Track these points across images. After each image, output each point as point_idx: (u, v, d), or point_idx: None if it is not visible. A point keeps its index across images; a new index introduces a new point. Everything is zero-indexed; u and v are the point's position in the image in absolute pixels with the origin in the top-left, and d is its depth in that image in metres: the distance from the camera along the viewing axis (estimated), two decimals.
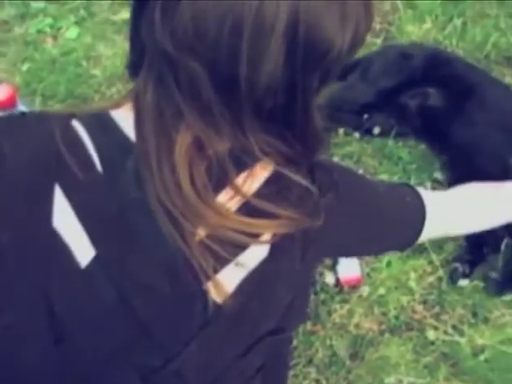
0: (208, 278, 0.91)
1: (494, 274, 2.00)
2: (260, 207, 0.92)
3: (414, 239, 1.25)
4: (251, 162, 0.93)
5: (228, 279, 0.94)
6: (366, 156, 2.25)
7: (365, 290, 2.00)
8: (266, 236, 0.94)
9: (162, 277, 0.94)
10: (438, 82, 2.18)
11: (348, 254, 1.60)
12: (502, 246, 2.06)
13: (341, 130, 2.27)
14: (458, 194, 1.41)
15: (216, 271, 0.92)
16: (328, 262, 2.06)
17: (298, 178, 0.95)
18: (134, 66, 0.96)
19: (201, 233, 0.90)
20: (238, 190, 0.91)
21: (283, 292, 1.02)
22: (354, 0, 0.86)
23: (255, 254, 0.95)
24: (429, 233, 1.24)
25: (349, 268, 2.01)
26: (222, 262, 0.93)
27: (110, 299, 0.94)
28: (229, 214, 0.91)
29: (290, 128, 0.92)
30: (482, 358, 1.92)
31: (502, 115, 2.08)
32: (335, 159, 2.20)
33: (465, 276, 1.99)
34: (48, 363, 0.99)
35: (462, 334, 1.96)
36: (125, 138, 0.94)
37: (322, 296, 1.99)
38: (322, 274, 2.02)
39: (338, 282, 2.02)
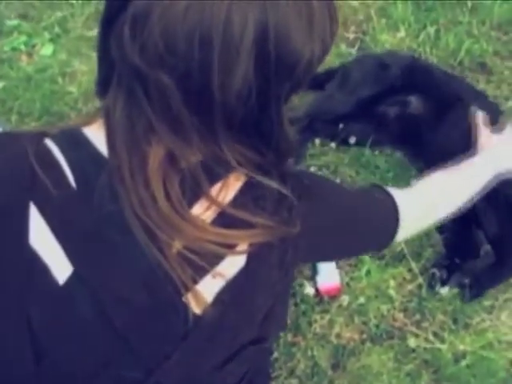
0: (187, 288, 0.92)
1: (467, 280, 1.99)
2: (235, 217, 0.93)
3: (391, 238, 1.27)
4: (224, 173, 0.94)
5: (206, 289, 0.95)
6: (342, 166, 2.25)
7: (345, 300, 1.99)
8: (242, 246, 0.95)
9: (140, 290, 0.94)
10: (416, 90, 2.19)
11: (326, 259, 1.61)
12: (482, 252, 2.06)
13: (317, 141, 2.26)
14: (424, 186, 1.43)
15: (195, 282, 0.93)
16: (307, 272, 2.06)
17: (271, 186, 0.96)
18: (103, 83, 0.97)
19: (177, 245, 0.91)
20: (212, 201, 0.92)
21: (262, 300, 1.03)
22: (320, 10, 0.88)
23: (232, 264, 0.96)
24: (405, 229, 1.27)
25: (328, 278, 2.01)
26: (200, 273, 0.93)
27: (89, 314, 0.94)
28: (205, 226, 0.92)
29: (262, 137, 0.94)
30: (463, 363, 1.93)
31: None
32: (312, 170, 2.20)
33: (443, 282, 1.99)
34: (30, 383, 0.98)
35: (442, 340, 1.96)
36: (97, 153, 0.95)
37: (303, 307, 1.98)
38: (301, 285, 2.01)
39: (317, 293, 2.02)
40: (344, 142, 2.27)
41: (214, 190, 0.94)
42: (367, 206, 1.22)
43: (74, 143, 0.98)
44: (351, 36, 2.62)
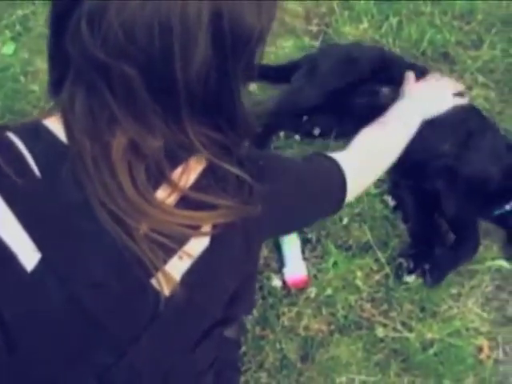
0: (157, 269, 0.95)
1: (427, 266, 2.00)
2: (198, 199, 0.97)
3: (342, 199, 1.34)
4: (186, 156, 0.97)
5: (174, 270, 0.97)
6: None
7: (312, 292, 1.99)
8: (206, 227, 0.98)
9: (110, 274, 0.97)
10: (384, 81, 2.20)
11: (289, 231, 1.66)
12: (446, 242, 2.07)
13: (281, 134, 2.25)
14: (358, 144, 1.52)
15: (165, 262, 0.96)
16: (274, 265, 2.06)
17: (231, 168, 0.99)
18: (57, 82, 0.99)
19: (144, 228, 0.93)
20: (175, 185, 0.95)
21: (227, 280, 1.07)
22: None
23: (197, 245, 0.99)
24: (353, 187, 1.34)
25: (295, 270, 2.01)
26: (168, 253, 0.96)
27: (59, 300, 0.97)
28: (169, 209, 0.95)
29: (224, 115, 0.98)
30: (431, 351, 1.94)
31: (461, 130, 2.10)
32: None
33: (410, 271, 1.99)
34: (3, 374, 1.00)
35: (410, 329, 1.97)
36: (59, 143, 0.97)
37: (270, 300, 1.98)
38: (268, 278, 2.01)
39: (285, 285, 2.01)
40: (308, 134, 2.26)
41: (176, 174, 0.97)
42: (318, 174, 1.29)
43: (36, 135, 0.99)
44: (314, 29, 2.62)
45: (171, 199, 0.97)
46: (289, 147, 2.27)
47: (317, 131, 2.23)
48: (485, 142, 2.10)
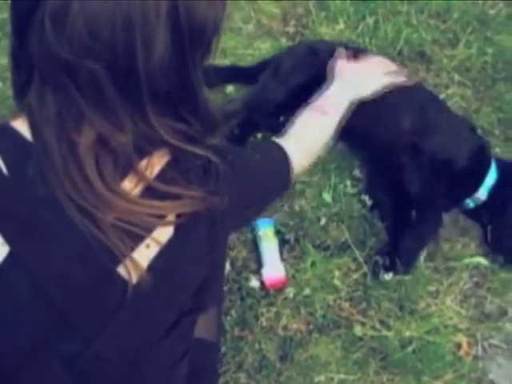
0: (124, 256, 0.98)
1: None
2: (163, 189, 1.00)
3: (290, 181, 1.44)
4: (152, 149, 1.00)
5: (141, 257, 1.01)
6: None
7: (290, 292, 2.00)
8: (171, 216, 1.01)
9: (77, 264, 0.99)
10: None
11: (249, 221, 1.80)
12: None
13: (259, 135, 2.26)
14: (294, 129, 1.60)
15: (132, 249, 0.99)
16: (253, 266, 2.06)
17: (197, 159, 1.03)
18: (21, 84, 0.99)
19: (110, 218, 0.96)
20: (141, 176, 0.98)
21: (192, 269, 1.10)
22: None
23: (162, 233, 1.02)
24: (297, 165, 1.44)
25: (273, 271, 2.01)
26: (135, 242, 0.99)
27: (27, 293, 1.00)
28: (136, 200, 0.98)
29: (185, 105, 1.00)
30: (409, 349, 1.94)
31: (416, 107, 2.10)
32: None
33: (386, 268, 2.00)
34: None
35: (389, 327, 1.98)
36: (26, 143, 0.98)
37: (249, 301, 1.98)
38: (247, 279, 2.01)
39: (263, 286, 2.02)
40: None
41: (141, 165, 1.00)
42: (271, 162, 1.38)
43: (2, 134, 1.02)
44: (291, 30, 2.63)
45: (137, 190, 0.99)
46: None
47: None
48: (444, 120, 2.09)
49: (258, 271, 2.05)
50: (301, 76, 2.20)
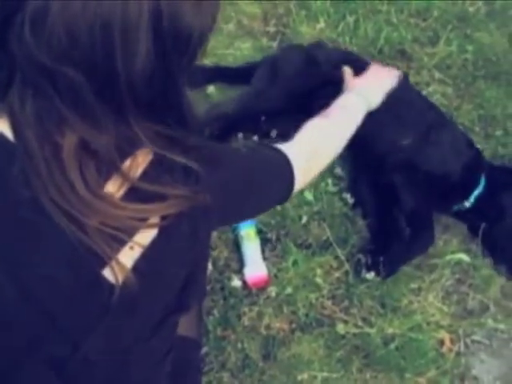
0: (110, 258, 0.97)
1: (382, 258, 2.02)
2: (147, 191, 0.98)
3: (291, 188, 1.36)
4: (133, 150, 0.98)
5: (126, 259, 1.00)
6: None
7: (272, 291, 2.00)
8: (155, 219, 1.00)
9: (63, 266, 0.98)
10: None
11: (238, 220, 1.67)
12: (405, 236, 2.09)
13: (240, 135, 2.26)
14: (303, 136, 1.50)
15: (117, 251, 0.98)
16: (235, 266, 2.06)
17: (179, 158, 1.00)
18: (3, 85, 0.98)
19: (94, 222, 0.94)
20: (125, 177, 0.97)
21: (176, 268, 1.09)
22: None
23: (146, 235, 1.01)
24: (300, 178, 1.37)
25: (255, 270, 2.02)
26: (120, 244, 0.98)
27: (12, 296, 0.98)
28: (120, 203, 0.96)
29: (170, 110, 0.98)
30: (392, 346, 1.95)
31: (398, 103, 2.11)
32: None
33: (368, 267, 2.00)
34: None
35: (371, 325, 1.98)
36: (10, 144, 0.96)
37: (231, 300, 1.98)
38: (229, 279, 2.01)
39: (245, 285, 2.02)
40: (266, 135, 2.27)
41: (124, 166, 0.98)
42: (265, 164, 1.32)
43: None
44: (272, 30, 2.63)
45: (121, 192, 0.98)
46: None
47: (274, 133, 2.24)
48: (445, 137, 2.11)
49: (240, 271, 2.04)
50: (300, 84, 2.20)
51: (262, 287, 2.01)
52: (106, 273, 1.00)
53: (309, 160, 1.44)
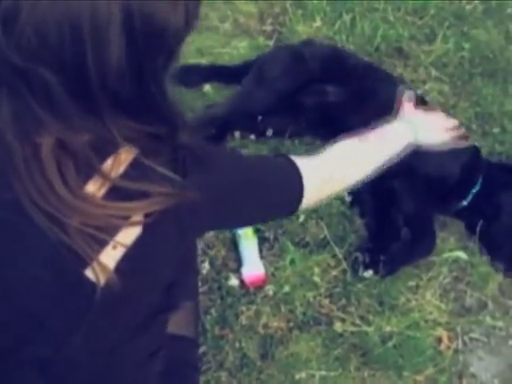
0: (91, 259, 0.96)
1: (382, 257, 2.02)
2: (130, 188, 0.97)
3: (296, 205, 1.30)
4: (114, 149, 0.97)
5: (108, 260, 0.99)
6: None
7: (270, 290, 2.00)
8: (139, 217, 0.99)
9: (44, 268, 0.98)
10: (333, 78, 2.21)
11: (234, 226, 1.59)
12: (402, 235, 2.09)
13: (237, 134, 2.26)
14: (330, 153, 1.43)
15: (99, 252, 0.97)
16: (232, 265, 2.06)
17: (164, 156, 1.00)
18: None
19: (75, 222, 0.94)
20: (105, 177, 0.96)
21: (161, 267, 1.08)
22: None
23: (129, 233, 1.00)
24: (310, 196, 1.30)
25: (253, 269, 2.01)
26: (101, 244, 0.97)
27: None
28: (101, 202, 0.96)
29: (150, 109, 0.97)
30: (390, 344, 1.95)
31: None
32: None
33: (366, 266, 2.00)
34: None
35: (369, 323, 1.98)
36: None
37: (229, 300, 1.98)
38: (227, 278, 2.01)
39: (243, 284, 2.02)
40: (263, 134, 2.27)
41: (106, 166, 0.97)
42: (267, 171, 1.27)
43: None
44: (268, 28, 2.64)
45: (102, 191, 0.98)
46: (244, 147, 2.27)
47: (269, 132, 2.24)
48: None
49: (237, 270, 2.05)
50: (287, 82, 2.21)
51: (260, 286, 2.01)
52: (88, 273, 0.99)
53: (329, 179, 1.38)
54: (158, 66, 0.95)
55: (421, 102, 1.94)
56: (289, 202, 1.31)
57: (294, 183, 1.28)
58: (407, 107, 1.73)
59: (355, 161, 1.47)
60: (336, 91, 2.22)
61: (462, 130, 1.84)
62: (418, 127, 1.63)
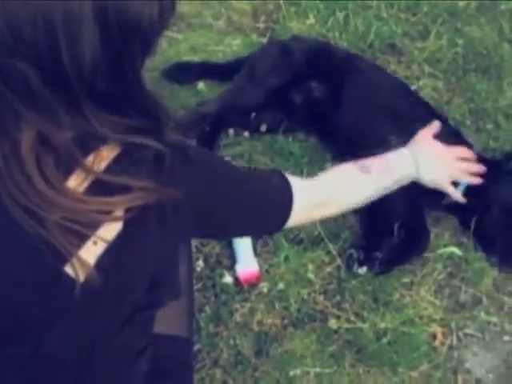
0: (71, 255, 0.96)
1: (378, 254, 2.02)
2: (111, 183, 0.97)
3: (280, 224, 1.29)
4: (98, 145, 0.97)
5: (89, 255, 0.99)
6: (257, 154, 2.26)
7: (264, 287, 2.00)
8: (119, 212, 0.99)
9: (24, 264, 0.98)
10: (320, 73, 2.22)
11: (224, 234, 1.49)
12: (395, 231, 2.09)
13: (231, 131, 2.26)
14: (326, 178, 1.46)
15: (78, 248, 0.97)
16: (226, 262, 2.06)
17: (148, 150, 0.99)
18: None
19: (55, 217, 0.94)
20: (87, 171, 0.95)
21: (142, 264, 1.08)
22: None
23: (110, 229, 0.99)
24: (297, 216, 1.29)
25: (247, 266, 2.01)
26: (82, 239, 0.97)
27: None
28: (82, 197, 0.95)
29: (129, 102, 0.97)
30: (385, 341, 1.94)
31: (382, 98, 2.11)
32: (226, 160, 2.19)
33: (360, 262, 2.00)
34: None
35: (363, 319, 1.98)
36: None
37: (223, 297, 1.98)
38: (221, 276, 2.01)
39: (237, 281, 2.01)
40: (257, 131, 2.27)
41: (88, 161, 0.97)
42: (256, 185, 1.26)
43: None
44: (262, 26, 2.64)
45: (83, 186, 0.97)
46: (238, 144, 2.28)
47: (263, 128, 2.24)
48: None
49: (231, 267, 2.04)
50: (277, 77, 2.21)
51: (254, 283, 2.01)
52: (68, 269, 0.99)
53: (316, 204, 1.38)
54: (134, 58, 0.95)
55: (454, 137, 1.96)
56: (275, 217, 1.30)
57: (284, 199, 1.28)
58: (422, 136, 1.73)
59: (351, 190, 1.48)
60: (322, 87, 2.21)
61: (475, 166, 1.86)
62: (422, 160, 1.63)
